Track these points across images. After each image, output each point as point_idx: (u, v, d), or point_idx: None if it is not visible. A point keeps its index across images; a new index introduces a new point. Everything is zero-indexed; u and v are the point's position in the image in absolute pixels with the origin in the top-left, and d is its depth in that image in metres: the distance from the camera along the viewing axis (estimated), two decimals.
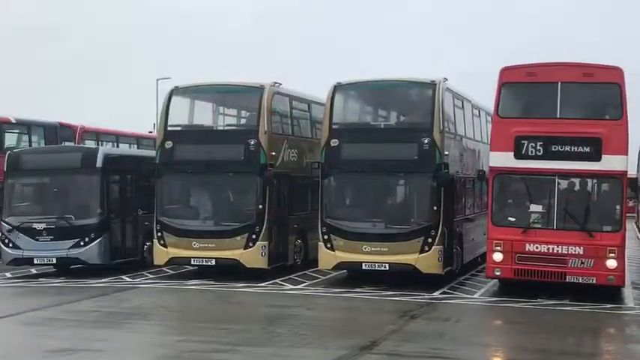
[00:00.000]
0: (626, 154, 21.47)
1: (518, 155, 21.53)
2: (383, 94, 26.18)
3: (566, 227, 21.43)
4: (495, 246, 21.62)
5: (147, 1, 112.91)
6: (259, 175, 24.33)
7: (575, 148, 21.29)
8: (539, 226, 21.72)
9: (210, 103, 28.10)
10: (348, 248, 23.30)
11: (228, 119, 29.27)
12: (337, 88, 24.27)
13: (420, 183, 23.36)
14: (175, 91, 25.98)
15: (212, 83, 27.13)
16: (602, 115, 22.29)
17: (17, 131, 32.72)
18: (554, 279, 21.35)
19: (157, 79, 59.98)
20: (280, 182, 25.62)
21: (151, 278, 25.58)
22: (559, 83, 21.60)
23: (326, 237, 23.62)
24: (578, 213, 21.52)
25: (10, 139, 32.27)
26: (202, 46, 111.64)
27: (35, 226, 25.81)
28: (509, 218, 22.11)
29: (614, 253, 20.99)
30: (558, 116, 21.67)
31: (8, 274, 26.87)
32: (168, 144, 25.19)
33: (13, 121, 31.87)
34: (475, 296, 22.34)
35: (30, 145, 31.97)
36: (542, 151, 21.45)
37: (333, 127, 24.02)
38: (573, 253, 21.07)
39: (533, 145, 21.41)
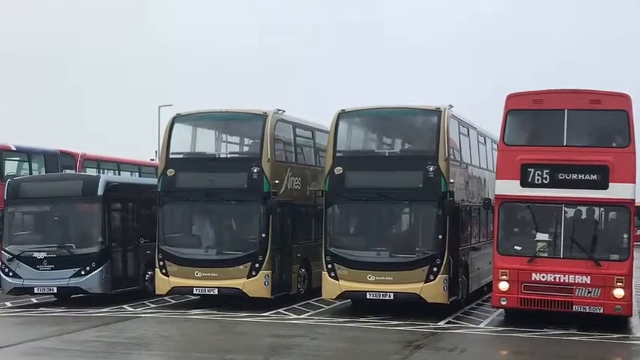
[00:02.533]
0: (634, 182, 21.44)
1: (525, 183, 21.54)
2: (387, 121, 25.98)
3: (573, 256, 21.39)
4: (501, 275, 21.58)
5: (148, 27, 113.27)
6: (262, 203, 24.13)
7: (582, 176, 21.29)
8: (546, 255, 21.65)
9: (212, 131, 27.73)
10: (352, 277, 23.15)
11: (230, 147, 28.81)
12: (341, 115, 24.14)
13: (425, 211, 23.49)
14: (177, 119, 25.79)
15: (214, 110, 26.75)
16: (609, 143, 22.21)
17: (17, 159, 32.69)
18: (561, 308, 21.27)
19: (159, 106, 60.20)
20: (283, 210, 25.49)
21: (152, 308, 25.45)
22: (565, 110, 21.61)
23: (330, 266, 23.45)
24: (585, 241, 21.50)
25: (11, 166, 32.19)
26: (204, 73, 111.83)
27: (36, 255, 25.72)
28: (516, 247, 22.03)
29: (622, 282, 20.94)
30: (565, 144, 21.68)
31: (8, 304, 26.82)
32: (171, 172, 24.95)
33: (14, 148, 31.80)
34: (481, 326, 22.26)
35: (30, 173, 31.81)
36: (548, 179, 21.44)
37: (337, 154, 23.90)
38: (580, 282, 21.03)
39: (540, 173, 21.42)
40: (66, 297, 26.73)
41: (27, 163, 32.54)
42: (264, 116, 24.79)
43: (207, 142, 27.28)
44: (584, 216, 22.12)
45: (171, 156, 25.39)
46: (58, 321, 23.26)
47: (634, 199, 21.50)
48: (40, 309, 25.92)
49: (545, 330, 21.25)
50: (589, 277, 21.07)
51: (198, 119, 26.86)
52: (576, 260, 21.34)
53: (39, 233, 27.03)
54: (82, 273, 25.37)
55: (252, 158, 24.93)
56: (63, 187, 26.67)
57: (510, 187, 21.75)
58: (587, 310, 21.12)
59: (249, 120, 26.21)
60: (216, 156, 26.83)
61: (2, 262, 26.29)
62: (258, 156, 24.45)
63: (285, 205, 25.41)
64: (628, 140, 21.37)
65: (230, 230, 25.92)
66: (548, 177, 21.44)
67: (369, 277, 22.90)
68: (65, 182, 27.53)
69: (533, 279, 21.36)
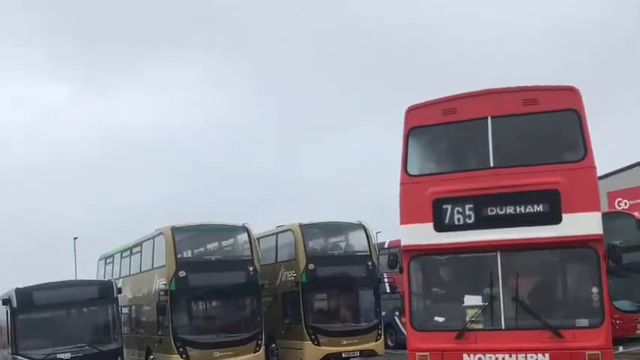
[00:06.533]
0: (599, 210, 8.47)
1: (441, 226, 8.83)
2: (332, 231, 21.19)
3: (521, 325, 8.41)
4: None
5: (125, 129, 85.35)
6: (257, 293, 19.00)
7: (522, 209, 8.56)
8: (481, 326, 8.73)
9: (205, 239, 21.38)
10: (330, 343, 18.71)
11: (223, 251, 21.43)
12: (302, 226, 19.87)
13: (365, 291, 20.15)
14: (175, 230, 18.95)
15: (204, 223, 20.43)
16: (556, 158, 9.18)
17: None
18: None
19: (74, 238, 47.20)
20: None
21: None
22: (489, 119, 9.12)
23: (313, 336, 18.54)
24: (537, 303, 8.54)
25: None
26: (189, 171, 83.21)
27: (60, 355, 16.24)
28: (437, 318, 9.23)
29: (597, 358, 8.16)
30: (492, 165, 8.98)
31: None
32: (182, 273, 18.24)
33: None
34: None
35: None
36: (473, 218, 8.71)
37: (310, 254, 19.17)
38: None
39: (461, 210, 8.75)
40: None
41: None
42: (244, 228, 19.09)
43: (206, 248, 21.31)
44: (530, 266, 8.98)
45: (179, 260, 18.37)
46: None
47: (601, 235, 8.34)
48: None
49: None
50: (547, 355, 8.19)
51: (193, 230, 20.42)
52: (526, 331, 8.35)
53: (56, 336, 17.09)
54: None
55: (246, 260, 18.94)
56: (79, 292, 17.63)
57: (421, 234, 8.93)
58: None
59: (234, 231, 19.74)
60: (215, 258, 20.41)
61: None
62: (251, 258, 18.68)
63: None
64: (582, 151, 8.59)
65: (235, 316, 19.85)
66: (472, 214, 8.71)
67: (343, 342, 18.62)
68: (81, 288, 18.36)
69: None
